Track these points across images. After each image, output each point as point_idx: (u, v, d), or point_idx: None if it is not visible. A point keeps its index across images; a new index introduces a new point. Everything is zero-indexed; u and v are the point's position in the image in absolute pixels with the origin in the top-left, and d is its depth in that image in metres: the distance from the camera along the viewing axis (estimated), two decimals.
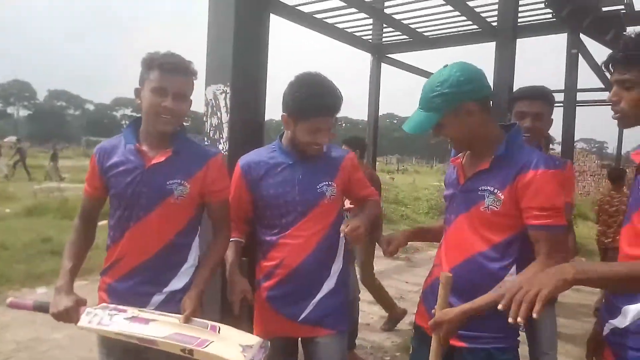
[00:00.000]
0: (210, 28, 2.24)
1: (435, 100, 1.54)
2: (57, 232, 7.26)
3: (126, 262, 1.74)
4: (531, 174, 1.49)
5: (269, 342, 1.61)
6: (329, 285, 1.94)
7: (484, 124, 1.60)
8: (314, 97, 1.79)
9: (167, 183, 1.71)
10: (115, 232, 1.76)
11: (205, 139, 2.24)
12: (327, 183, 1.92)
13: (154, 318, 1.60)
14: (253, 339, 1.56)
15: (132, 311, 1.63)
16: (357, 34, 7.03)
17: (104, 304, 1.69)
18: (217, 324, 1.60)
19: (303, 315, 1.91)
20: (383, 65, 7.58)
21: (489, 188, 1.56)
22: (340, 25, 6.65)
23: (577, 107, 6.98)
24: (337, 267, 1.97)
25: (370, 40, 7.29)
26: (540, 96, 2.25)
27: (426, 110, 1.58)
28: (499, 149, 1.57)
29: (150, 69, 1.67)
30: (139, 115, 1.79)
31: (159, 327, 1.57)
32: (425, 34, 6.90)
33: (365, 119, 7.87)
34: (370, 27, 6.85)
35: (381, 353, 3.96)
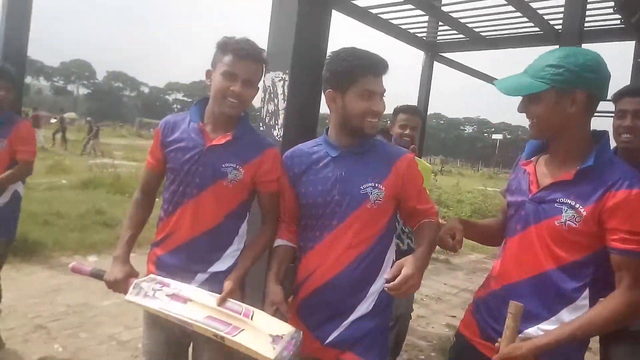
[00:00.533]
0: (273, 16, 2.30)
1: (549, 70, 1.39)
2: (110, 206, 7.63)
3: (177, 237, 1.79)
4: (624, 194, 1.33)
5: (302, 333, 1.57)
6: (365, 307, 1.68)
7: (580, 124, 1.44)
8: (359, 57, 1.64)
9: (223, 166, 1.74)
10: (169, 206, 1.82)
11: (261, 125, 2.30)
12: (373, 184, 1.66)
13: (192, 297, 1.66)
14: (285, 328, 1.53)
15: (175, 285, 1.70)
16: (412, 30, 6.95)
17: (151, 275, 1.77)
18: (252, 309, 1.61)
19: (330, 339, 1.69)
20: (435, 64, 7.47)
21: (569, 202, 1.39)
22: (395, 22, 6.59)
23: None
24: (378, 286, 1.70)
25: (425, 38, 7.20)
26: None
27: (532, 77, 1.42)
28: (587, 160, 1.40)
29: (224, 53, 1.71)
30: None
31: (195, 308, 1.62)
32: (483, 34, 6.74)
33: None
34: (426, 24, 6.76)
35: (416, 351, 3.95)
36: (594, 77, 1.38)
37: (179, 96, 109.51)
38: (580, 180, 1.39)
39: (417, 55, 7.51)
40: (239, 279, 1.75)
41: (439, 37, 7.28)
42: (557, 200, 1.42)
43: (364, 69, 1.63)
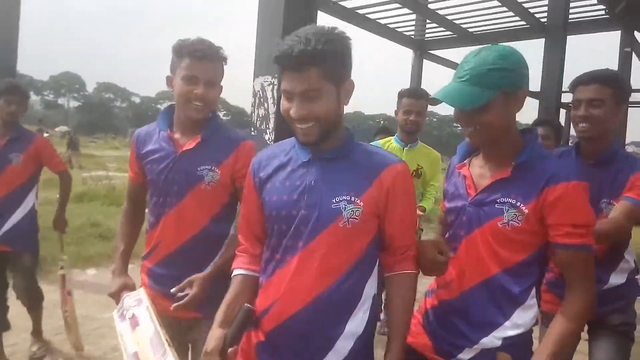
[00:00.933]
0: (260, 21, 2.31)
1: (493, 74, 1.28)
2: (105, 218, 7.61)
3: (163, 248, 1.77)
4: (562, 187, 1.28)
5: None
6: (338, 354, 1.32)
7: (515, 119, 1.38)
8: (283, 44, 1.26)
9: (198, 169, 1.70)
10: (152, 218, 1.80)
11: (252, 129, 2.31)
12: (348, 198, 1.30)
13: (140, 324, 1.60)
14: None
15: (142, 305, 1.65)
16: (400, 29, 7.01)
17: (140, 289, 1.75)
18: (168, 353, 1.42)
19: None
20: (424, 62, 7.53)
21: (509, 200, 1.33)
22: (382, 21, 6.65)
23: (628, 108, 6.73)
24: (352, 329, 1.33)
25: (413, 36, 7.25)
26: (593, 79, 1.90)
27: (476, 85, 1.30)
28: (521, 155, 1.35)
29: (181, 56, 1.67)
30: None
31: (133, 338, 1.57)
32: (470, 30, 6.81)
33: None
34: (413, 22, 6.82)
35: None
36: (527, 72, 1.35)
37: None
38: (518, 176, 1.34)
39: (407, 54, 7.57)
40: (204, 280, 1.64)
41: (427, 35, 7.34)
42: (498, 201, 1.35)
43: (281, 61, 1.28)
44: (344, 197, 1.30)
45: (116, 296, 1.76)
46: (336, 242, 1.31)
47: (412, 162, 2.97)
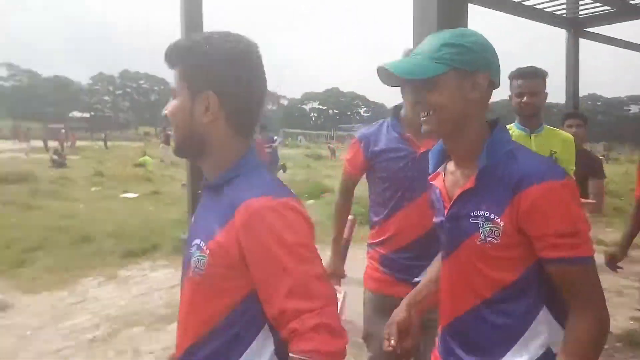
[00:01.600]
0: (415, 26, 2.72)
1: (447, 49, 1.14)
2: None
3: (401, 238, 2.02)
4: (534, 191, 1.08)
5: None
6: None
7: (481, 111, 1.20)
8: None
9: None
10: (386, 210, 2.04)
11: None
12: (198, 242, 1.04)
13: None
14: None
15: None
16: (550, 9, 6.77)
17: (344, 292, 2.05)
18: None
19: None
20: (581, 41, 7.13)
21: (482, 213, 1.15)
22: (529, 3, 6.53)
23: None
24: None
25: (565, 15, 6.94)
26: None
27: (429, 59, 1.15)
28: (481, 157, 1.17)
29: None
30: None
31: None
32: (632, 2, 6.31)
33: (562, 102, 7.43)
34: (564, 0, 6.56)
35: None
36: (493, 59, 1.19)
37: (315, 104, 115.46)
38: (484, 184, 1.16)
39: (558, 34, 7.24)
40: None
41: (581, 12, 6.96)
42: (472, 214, 1.17)
43: None
44: (196, 242, 1.05)
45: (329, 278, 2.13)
46: (191, 296, 1.08)
47: (544, 148, 2.69)
